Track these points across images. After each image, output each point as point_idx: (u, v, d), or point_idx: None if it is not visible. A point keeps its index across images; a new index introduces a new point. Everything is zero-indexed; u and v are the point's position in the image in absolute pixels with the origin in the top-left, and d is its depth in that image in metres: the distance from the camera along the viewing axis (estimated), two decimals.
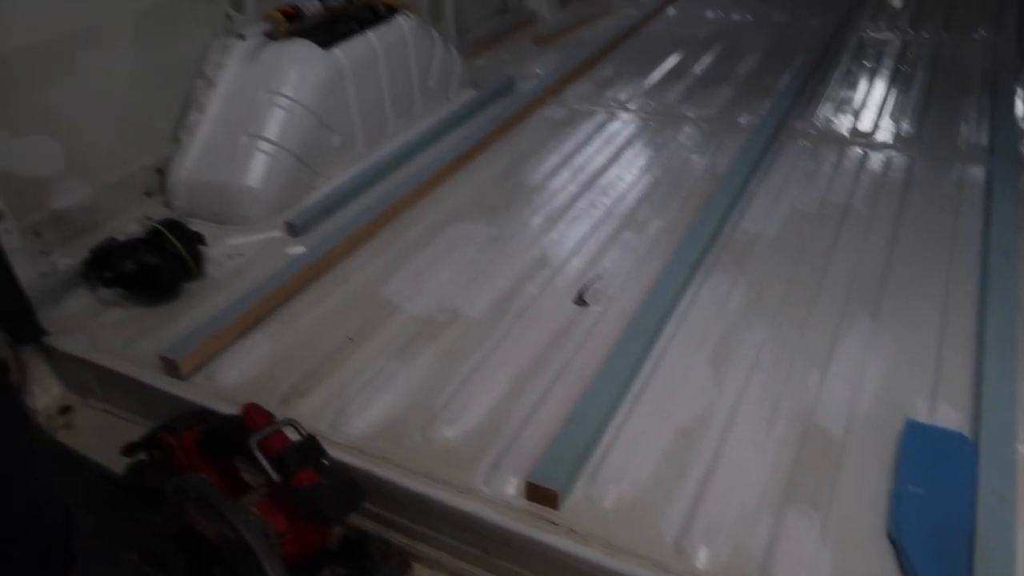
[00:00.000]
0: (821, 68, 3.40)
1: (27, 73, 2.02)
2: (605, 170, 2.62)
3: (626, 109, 3.09)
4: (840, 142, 2.76)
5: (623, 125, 2.96)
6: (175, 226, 2.03)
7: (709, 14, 4.23)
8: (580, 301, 1.96)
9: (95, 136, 2.23)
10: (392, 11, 2.72)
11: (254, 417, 1.41)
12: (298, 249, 2.19)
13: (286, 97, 2.33)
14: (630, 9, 4.26)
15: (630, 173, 2.59)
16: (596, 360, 1.72)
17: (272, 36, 2.43)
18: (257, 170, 2.30)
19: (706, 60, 3.59)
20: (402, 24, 2.72)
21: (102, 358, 1.80)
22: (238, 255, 2.18)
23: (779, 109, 2.96)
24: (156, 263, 1.95)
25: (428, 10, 3.41)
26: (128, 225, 2.24)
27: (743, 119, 2.97)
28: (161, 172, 2.40)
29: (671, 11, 4.28)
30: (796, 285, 1.99)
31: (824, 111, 3.01)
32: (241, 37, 2.42)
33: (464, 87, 3.11)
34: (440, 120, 2.88)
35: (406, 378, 1.73)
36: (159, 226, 2.01)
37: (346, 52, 2.48)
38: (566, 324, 1.88)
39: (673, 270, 2.01)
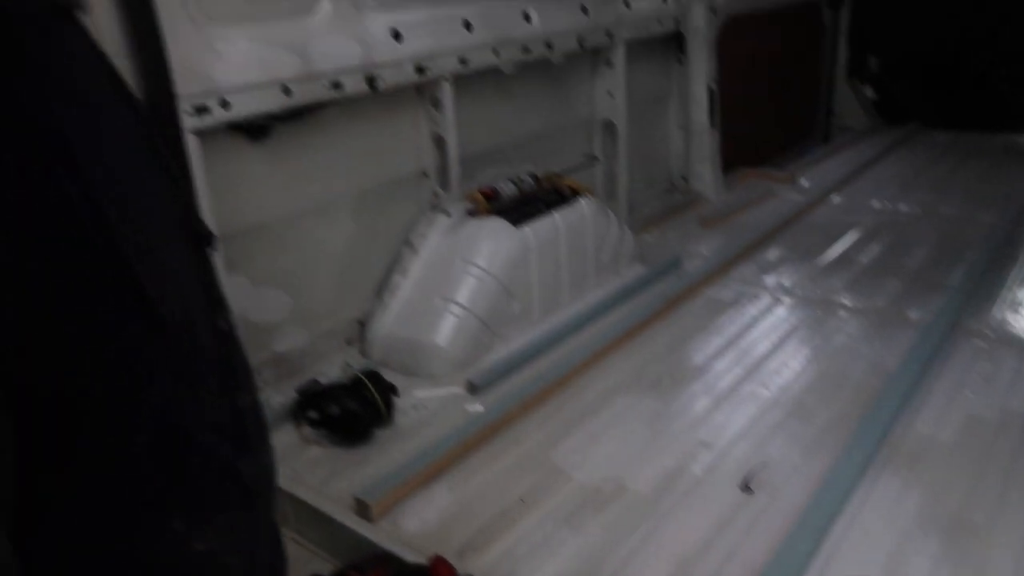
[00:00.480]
0: (996, 266, 3.35)
1: (270, 238, 2.42)
2: (770, 355, 2.68)
3: (791, 295, 3.17)
4: (1020, 346, 2.69)
5: (788, 311, 3.03)
6: (374, 376, 2.28)
7: (875, 203, 4.29)
8: (746, 488, 1.99)
9: (315, 290, 2.58)
10: (576, 193, 3.01)
11: (440, 569, 1.55)
12: (476, 407, 2.38)
13: (478, 267, 2.60)
14: (794, 195, 4.40)
15: (796, 360, 2.64)
16: (761, 554, 1.74)
17: (472, 213, 2.75)
18: (446, 330, 2.55)
19: (873, 250, 3.63)
20: (583, 206, 2.98)
21: (301, 492, 1.99)
22: (423, 407, 2.39)
23: (952, 306, 2.94)
24: (357, 410, 2.18)
25: (604, 190, 3.72)
26: (329, 368, 2.53)
27: (913, 313, 2.96)
28: (362, 324, 2.71)
29: (836, 198, 4.38)
30: (975, 497, 1.93)
31: (1001, 312, 2.95)
32: (446, 213, 2.75)
33: (633, 262, 3.31)
34: (610, 293, 3.08)
35: (573, 547, 1.81)
36: (361, 375, 2.27)
37: (534, 230, 2.75)
38: (731, 510, 1.92)
39: (842, 467, 2.01)
